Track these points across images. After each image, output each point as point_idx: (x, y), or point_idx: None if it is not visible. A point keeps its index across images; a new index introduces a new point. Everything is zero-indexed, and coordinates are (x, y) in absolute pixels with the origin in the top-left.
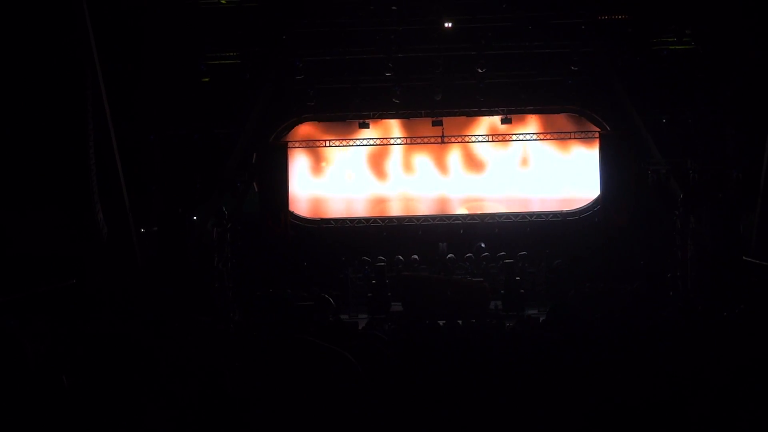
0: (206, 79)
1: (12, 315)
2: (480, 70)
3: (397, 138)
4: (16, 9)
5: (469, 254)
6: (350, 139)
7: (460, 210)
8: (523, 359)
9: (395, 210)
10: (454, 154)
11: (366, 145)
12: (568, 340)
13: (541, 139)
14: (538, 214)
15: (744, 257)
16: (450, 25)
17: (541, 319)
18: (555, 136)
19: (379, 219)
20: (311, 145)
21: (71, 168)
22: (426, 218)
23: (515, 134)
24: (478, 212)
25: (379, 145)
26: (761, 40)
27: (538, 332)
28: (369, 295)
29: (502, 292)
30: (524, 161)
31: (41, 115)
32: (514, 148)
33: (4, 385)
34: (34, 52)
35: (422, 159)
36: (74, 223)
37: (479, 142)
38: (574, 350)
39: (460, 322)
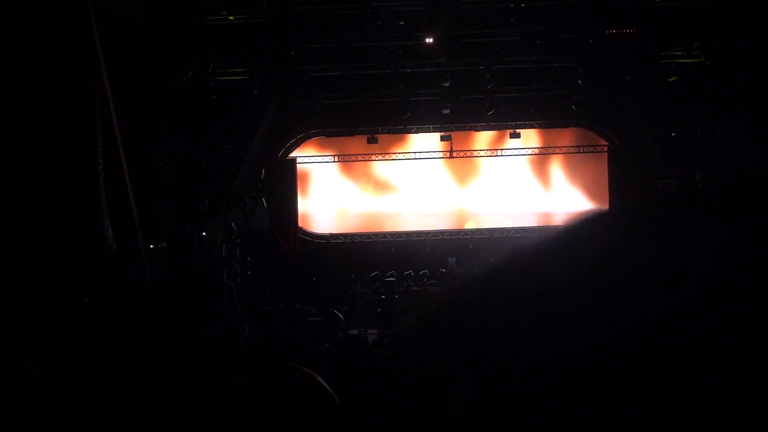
0: (214, 97)
1: (19, 334)
2: (488, 87)
3: (406, 153)
4: (26, 24)
5: (478, 270)
6: (359, 155)
7: (469, 224)
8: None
9: (404, 225)
10: (461, 169)
11: (375, 160)
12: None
13: (549, 153)
14: (547, 229)
15: None
16: (432, 40)
17: None
18: (563, 150)
19: (389, 234)
20: (319, 161)
21: (80, 185)
22: (435, 233)
23: (524, 148)
24: (487, 227)
25: (388, 160)
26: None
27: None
28: (378, 310)
29: None
30: (533, 174)
31: (50, 132)
32: (522, 162)
33: (4, 405)
34: (42, 68)
35: (431, 173)
36: (83, 240)
37: (488, 156)
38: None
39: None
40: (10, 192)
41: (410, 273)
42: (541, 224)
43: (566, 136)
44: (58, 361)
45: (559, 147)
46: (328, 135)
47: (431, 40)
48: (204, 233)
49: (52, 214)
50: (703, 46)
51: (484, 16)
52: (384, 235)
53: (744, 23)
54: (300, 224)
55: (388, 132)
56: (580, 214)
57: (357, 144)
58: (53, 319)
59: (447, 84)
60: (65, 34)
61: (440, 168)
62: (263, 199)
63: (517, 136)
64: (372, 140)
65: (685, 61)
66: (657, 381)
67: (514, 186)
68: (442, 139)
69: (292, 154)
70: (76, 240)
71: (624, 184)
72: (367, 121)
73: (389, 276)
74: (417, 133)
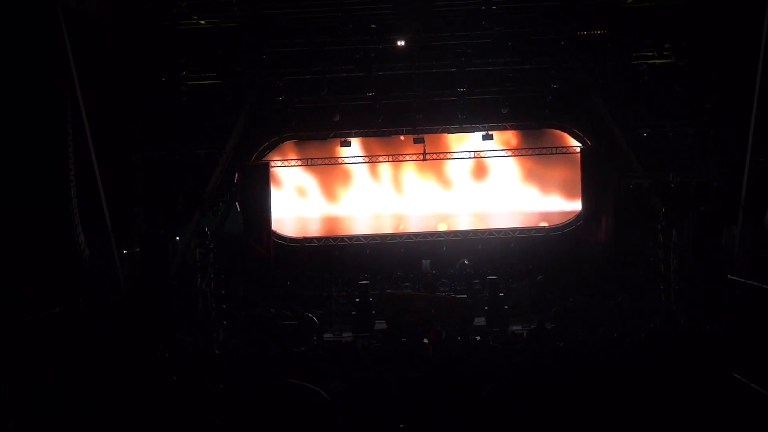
0: (187, 101)
1: None
2: (460, 89)
3: (379, 156)
4: None
5: (452, 271)
6: (332, 158)
7: (441, 226)
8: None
9: (378, 227)
10: (432, 171)
11: (348, 163)
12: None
13: (522, 155)
14: (521, 230)
15: (729, 275)
16: (403, 43)
17: (525, 334)
18: (536, 151)
19: (362, 237)
20: (293, 165)
21: (51, 190)
22: (409, 236)
23: (497, 150)
24: (461, 228)
25: (361, 163)
26: (739, 53)
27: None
28: (353, 313)
29: (486, 308)
30: (506, 175)
31: (21, 137)
32: (496, 163)
33: None
34: (12, 73)
35: (404, 176)
36: (55, 246)
37: (461, 158)
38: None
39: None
40: None
41: (384, 275)
42: (515, 226)
43: (539, 138)
44: (32, 369)
45: (531, 148)
46: (301, 139)
47: (403, 43)
48: (177, 238)
49: (22, 219)
50: (674, 47)
51: (456, 19)
52: (357, 238)
53: (715, 26)
54: (273, 228)
55: (361, 135)
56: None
57: (330, 147)
58: (26, 328)
59: (419, 88)
60: (36, 40)
61: (413, 170)
62: (237, 203)
63: (490, 138)
64: (345, 143)
65: (656, 62)
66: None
67: (488, 187)
68: (415, 141)
69: (266, 158)
70: (47, 246)
71: (597, 185)
72: (339, 124)
73: (363, 279)
74: (389, 135)
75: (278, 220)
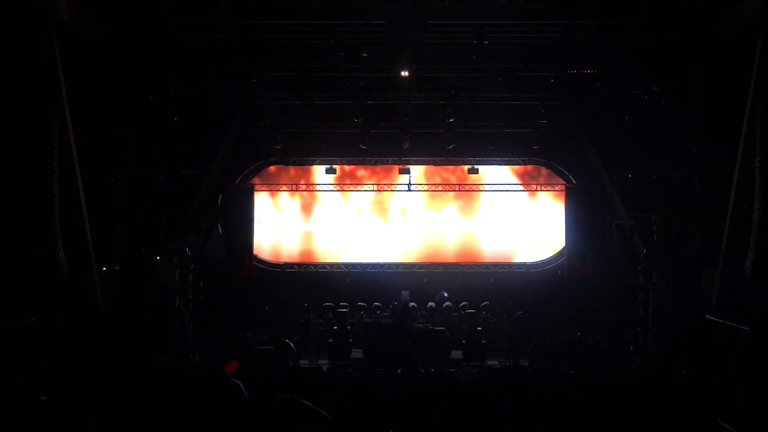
0: (174, 120)
1: None
2: (449, 120)
3: (364, 184)
4: None
5: (431, 303)
6: (317, 185)
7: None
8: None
9: (360, 256)
10: (418, 202)
11: (333, 190)
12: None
13: (508, 191)
14: (502, 265)
15: (707, 316)
16: (407, 74)
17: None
18: (520, 187)
19: (343, 264)
20: (277, 189)
21: (34, 205)
22: (390, 265)
23: (482, 185)
24: (442, 261)
25: (347, 191)
26: (725, 96)
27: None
28: (330, 341)
29: (464, 342)
30: (491, 210)
31: (6, 150)
32: (480, 198)
33: None
34: (2, 87)
35: (388, 206)
36: (34, 260)
37: (446, 191)
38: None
39: (421, 370)
40: None
41: (363, 305)
42: (496, 261)
43: (524, 174)
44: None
45: (516, 184)
46: (286, 164)
47: (407, 74)
48: (158, 257)
49: (4, 232)
50: (662, 90)
51: (448, 52)
52: (338, 265)
53: (702, 70)
54: (254, 252)
55: (348, 163)
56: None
57: (315, 173)
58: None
59: (407, 118)
60: (27, 54)
61: (397, 201)
62: (219, 225)
63: (475, 171)
64: (330, 170)
65: (645, 103)
66: None
67: (472, 222)
68: (401, 172)
69: (250, 182)
70: (26, 260)
71: (580, 223)
72: (326, 150)
73: (342, 307)
74: (376, 164)
75: (259, 244)
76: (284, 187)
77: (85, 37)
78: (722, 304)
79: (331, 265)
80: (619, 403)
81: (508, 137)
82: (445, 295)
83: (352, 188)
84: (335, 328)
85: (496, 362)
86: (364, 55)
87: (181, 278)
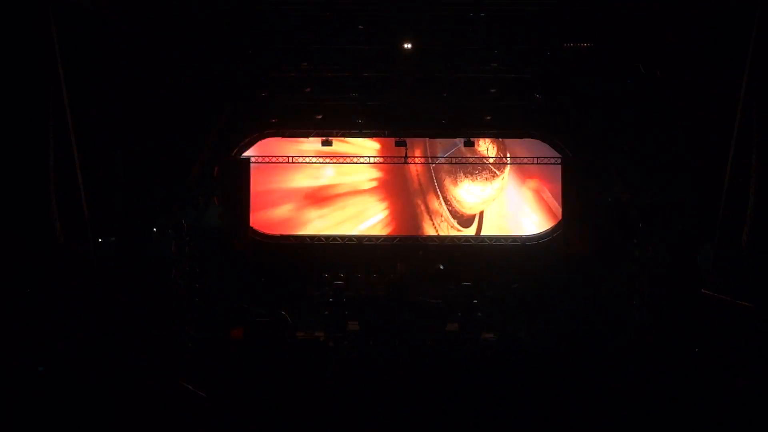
0: (170, 94)
1: None
2: (444, 94)
3: (360, 157)
4: None
5: (428, 276)
6: (313, 157)
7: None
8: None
9: (355, 229)
10: (411, 173)
11: (329, 162)
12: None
13: (503, 163)
14: (498, 238)
15: (703, 290)
16: (410, 46)
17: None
18: (517, 160)
19: (339, 237)
20: (273, 161)
21: (29, 175)
22: (386, 238)
23: (477, 157)
24: (439, 234)
25: (343, 163)
26: (723, 71)
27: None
28: (326, 313)
29: (460, 315)
30: (488, 182)
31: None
32: (477, 170)
33: None
34: None
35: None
36: (30, 231)
37: (442, 164)
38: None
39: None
40: None
41: (359, 276)
42: (491, 233)
43: (521, 146)
44: None
45: (512, 158)
46: (282, 136)
47: (410, 46)
48: (155, 229)
49: None
50: (660, 63)
51: (444, 24)
52: (335, 237)
53: (700, 43)
54: (251, 224)
55: (343, 135)
56: None
57: (311, 145)
58: None
59: (404, 91)
60: (22, 26)
61: (395, 172)
62: (215, 197)
63: (471, 144)
64: (326, 143)
65: (643, 77)
66: None
67: (468, 194)
68: (397, 144)
69: (246, 154)
70: (22, 230)
71: (576, 197)
72: (322, 123)
73: (338, 279)
74: (372, 137)
75: (255, 216)
76: (280, 159)
77: (82, 9)
78: (718, 278)
79: (327, 237)
80: (612, 376)
81: (504, 110)
82: (441, 267)
83: (348, 161)
84: (331, 300)
85: (491, 335)
86: (360, 27)
87: (178, 250)
